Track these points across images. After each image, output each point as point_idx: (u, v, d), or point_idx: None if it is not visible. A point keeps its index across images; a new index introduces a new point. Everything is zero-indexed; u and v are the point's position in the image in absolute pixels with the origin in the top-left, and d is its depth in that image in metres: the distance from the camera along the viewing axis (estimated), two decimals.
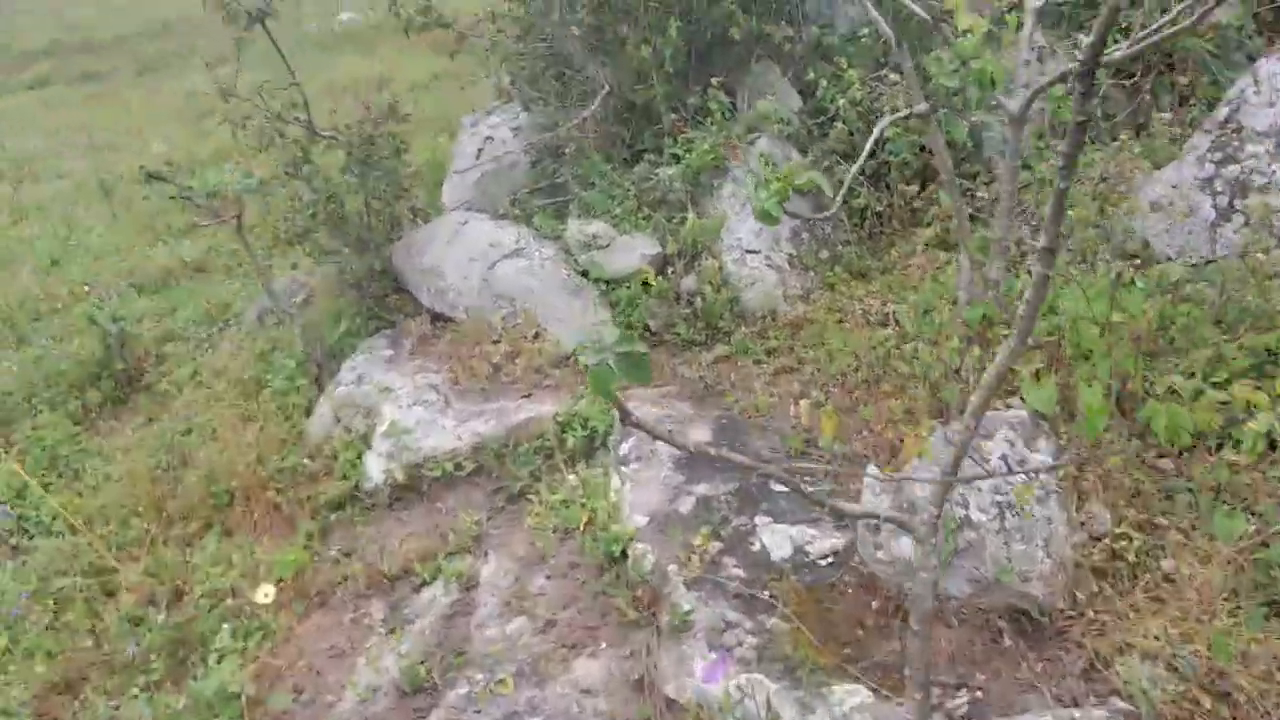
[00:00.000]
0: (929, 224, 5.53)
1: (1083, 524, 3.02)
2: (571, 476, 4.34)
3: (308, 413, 5.43)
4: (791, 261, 5.32)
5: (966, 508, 2.97)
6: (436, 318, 5.84)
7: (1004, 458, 3.05)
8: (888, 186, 5.65)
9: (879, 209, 5.63)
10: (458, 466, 4.62)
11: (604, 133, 6.46)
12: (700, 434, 4.23)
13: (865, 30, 6.15)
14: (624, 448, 4.21)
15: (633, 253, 5.35)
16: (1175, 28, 3.32)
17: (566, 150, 6.52)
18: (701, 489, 3.85)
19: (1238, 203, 4.20)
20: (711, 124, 5.67)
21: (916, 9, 3.73)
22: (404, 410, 4.90)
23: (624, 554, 3.68)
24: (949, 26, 3.70)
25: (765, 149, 5.55)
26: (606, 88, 6.27)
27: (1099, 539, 3.02)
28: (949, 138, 5.60)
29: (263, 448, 4.93)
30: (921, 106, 3.76)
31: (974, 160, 5.64)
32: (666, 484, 3.91)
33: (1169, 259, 4.43)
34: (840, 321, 4.95)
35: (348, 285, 5.93)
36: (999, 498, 2.99)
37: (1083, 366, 3.35)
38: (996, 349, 3.92)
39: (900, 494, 3.06)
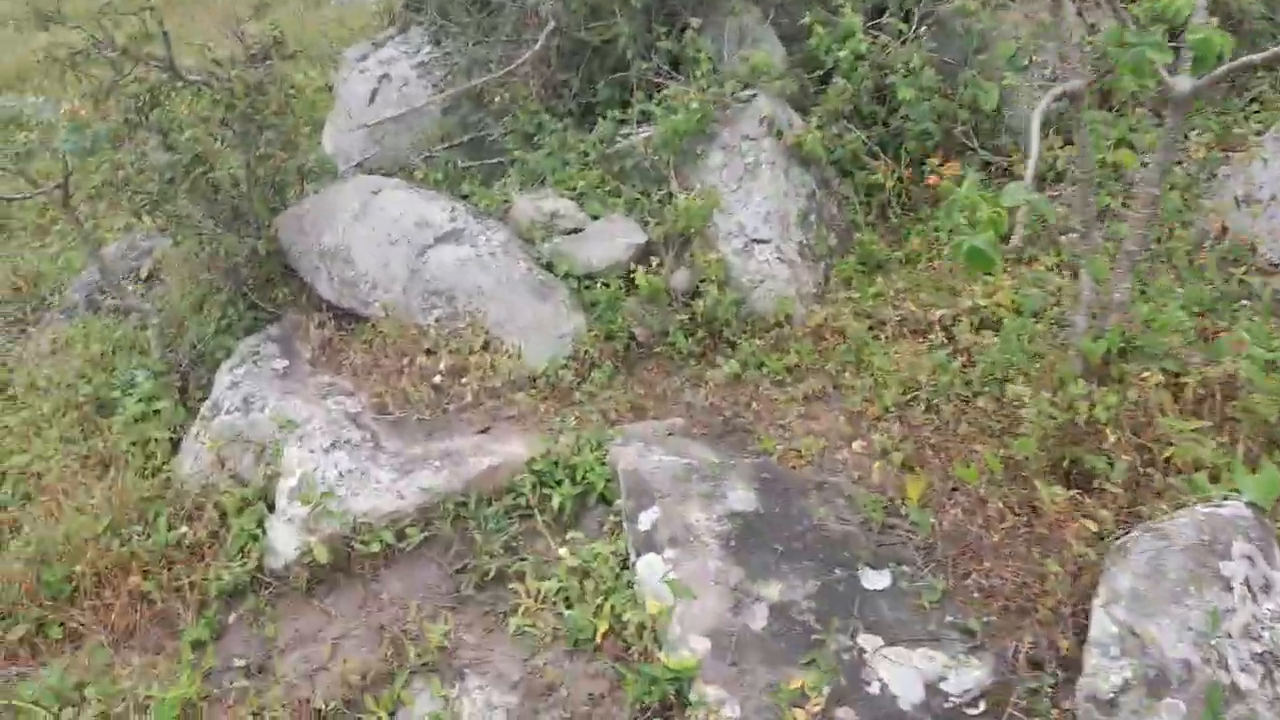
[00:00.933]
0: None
1: None
2: (564, 551, 3.26)
3: (175, 446, 4.07)
4: (802, 251, 4.32)
5: (1227, 668, 2.11)
6: (342, 314, 4.53)
7: (1246, 582, 2.21)
8: (899, 159, 4.73)
9: (891, 185, 4.70)
10: (401, 535, 3.43)
11: (545, 79, 5.22)
12: (741, 498, 3.21)
13: None
14: (645, 520, 3.14)
15: (613, 241, 4.20)
16: None
17: (496, 99, 5.24)
18: (773, 591, 2.84)
19: None
20: (698, 76, 4.55)
21: None
22: (319, 456, 3.63)
23: (679, 694, 2.66)
24: None
25: (765, 110, 4.49)
26: (552, 23, 5.01)
27: None
28: (976, 103, 4.73)
29: (118, 511, 3.56)
30: (1076, 82, 2.81)
31: (999, 131, 4.79)
32: (721, 581, 2.88)
33: (1274, 265, 3.74)
34: (872, 330, 4.02)
35: (221, 269, 4.49)
36: (1257, 646, 2.15)
37: None
38: (1130, 392, 3.10)
39: (1145, 652, 2.16)
